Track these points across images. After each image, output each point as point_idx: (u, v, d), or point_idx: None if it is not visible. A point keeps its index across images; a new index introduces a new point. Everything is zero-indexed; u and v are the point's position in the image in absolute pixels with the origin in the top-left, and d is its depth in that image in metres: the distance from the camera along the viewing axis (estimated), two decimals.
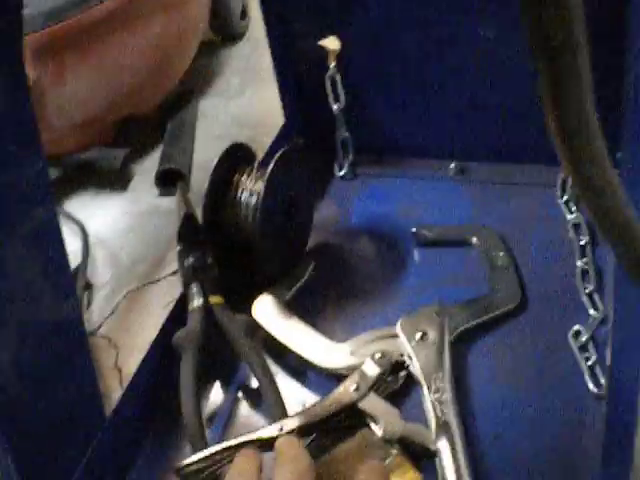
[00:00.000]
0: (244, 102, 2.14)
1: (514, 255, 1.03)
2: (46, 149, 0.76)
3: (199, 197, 1.01)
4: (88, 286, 1.45)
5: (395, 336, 0.91)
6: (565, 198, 1.10)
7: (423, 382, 0.84)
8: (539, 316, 0.95)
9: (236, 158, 1.04)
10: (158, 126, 1.97)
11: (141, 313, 1.37)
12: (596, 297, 0.94)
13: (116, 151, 1.83)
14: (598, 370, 0.86)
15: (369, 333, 0.92)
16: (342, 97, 1.20)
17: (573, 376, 0.87)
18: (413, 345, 0.88)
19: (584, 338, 0.89)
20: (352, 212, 1.20)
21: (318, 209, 1.19)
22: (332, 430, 0.82)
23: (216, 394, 0.95)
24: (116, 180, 1.80)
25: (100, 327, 1.36)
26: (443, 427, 0.79)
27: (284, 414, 0.83)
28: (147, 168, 1.84)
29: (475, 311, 0.94)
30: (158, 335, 0.95)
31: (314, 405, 0.83)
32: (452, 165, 1.21)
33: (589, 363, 0.87)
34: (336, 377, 0.88)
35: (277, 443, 0.73)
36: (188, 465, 0.77)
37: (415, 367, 0.87)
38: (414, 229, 1.09)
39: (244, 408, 0.92)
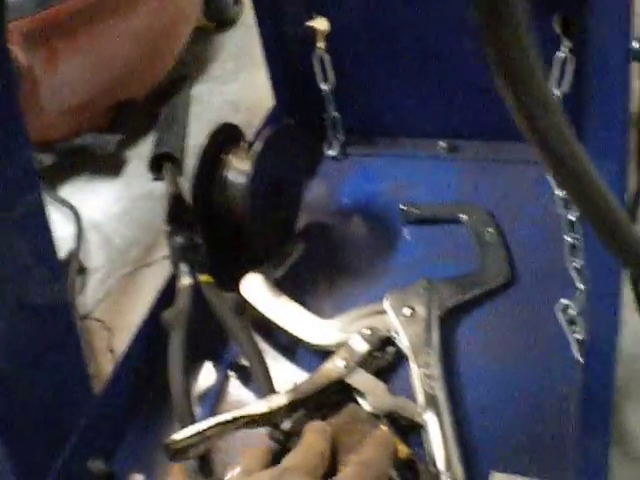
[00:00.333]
0: (238, 87, 2.14)
1: (503, 231, 1.03)
2: (39, 135, 0.76)
3: (190, 182, 1.01)
4: (82, 270, 1.46)
5: (383, 312, 0.91)
6: None
7: (411, 357, 0.85)
8: (528, 291, 0.95)
9: (225, 138, 1.04)
10: (152, 111, 1.97)
11: (134, 296, 1.38)
12: (584, 271, 0.94)
13: (110, 136, 1.83)
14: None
15: (357, 310, 0.93)
16: (331, 77, 1.20)
17: (561, 349, 0.87)
18: (401, 321, 0.89)
19: (572, 312, 0.89)
20: (342, 191, 1.20)
21: (308, 189, 1.19)
22: (320, 406, 0.82)
23: (205, 372, 0.95)
24: (110, 165, 1.81)
25: (94, 310, 1.36)
26: (431, 401, 0.79)
27: (273, 391, 0.84)
28: (141, 153, 1.84)
29: (463, 287, 0.95)
30: (148, 314, 0.95)
31: (302, 381, 0.83)
32: (442, 143, 1.21)
33: (577, 336, 0.87)
34: (325, 354, 0.88)
35: (305, 427, 0.75)
36: (177, 441, 0.77)
37: (403, 342, 0.87)
38: (403, 206, 1.09)
39: (233, 386, 0.92)
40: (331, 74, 1.20)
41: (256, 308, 0.95)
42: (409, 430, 0.79)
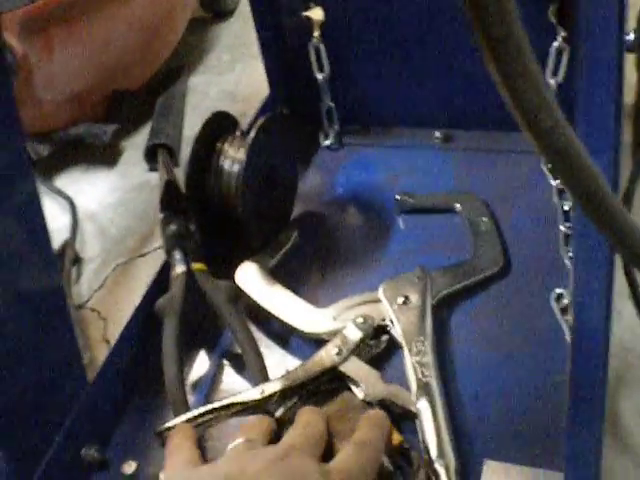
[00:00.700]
0: (234, 78, 2.14)
1: (498, 220, 1.03)
2: (35, 125, 0.76)
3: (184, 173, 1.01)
4: (77, 260, 1.46)
5: (377, 301, 0.91)
6: (550, 164, 1.09)
7: (404, 345, 0.85)
8: (522, 280, 0.96)
9: (219, 127, 1.04)
10: (148, 101, 1.97)
11: (129, 286, 1.38)
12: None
13: (106, 126, 1.82)
14: None
15: (351, 298, 0.93)
16: (326, 66, 1.20)
17: (555, 339, 0.87)
18: (395, 309, 0.89)
19: (566, 301, 0.89)
20: (337, 181, 1.20)
21: (303, 178, 1.19)
22: (314, 393, 0.82)
23: (199, 360, 0.95)
24: (106, 155, 1.80)
25: (89, 300, 1.36)
26: (424, 389, 0.79)
27: (266, 379, 0.83)
28: (137, 143, 1.83)
29: (457, 275, 0.95)
30: (141, 302, 0.95)
31: (295, 369, 0.83)
32: (437, 133, 1.21)
33: (570, 325, 0.87)
34: (318, 342, 0.88)
35: (299, 411, 0.75)
36: (170, 428, 0.78)
37: (397, 331, 0.87)
38: (397, 196, 1.09)
39: (227, 374, 0.93)
40: (326, 64, 1.20)
41: (250, 296, 0.96)
42: (402, 418, 0.79)
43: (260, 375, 0.84)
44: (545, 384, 0.83)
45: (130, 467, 0.83)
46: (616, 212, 0.39)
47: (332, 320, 0.90)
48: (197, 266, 0.96)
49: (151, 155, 1.71)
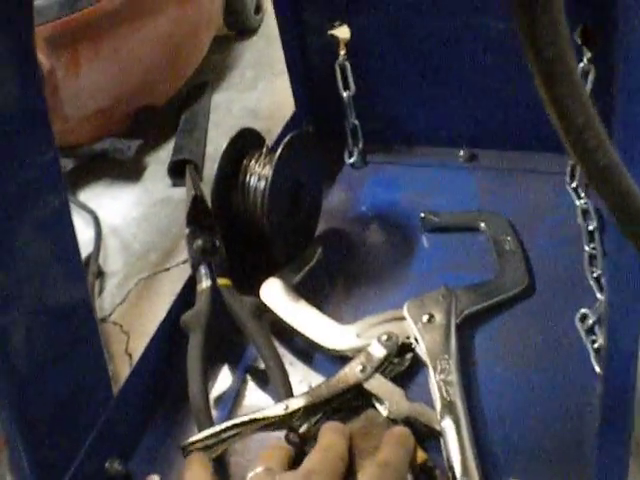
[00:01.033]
0: (257, 95, 2.15)
1: (522, 240, 1.03)
2: (60, 139, 0.76)
3: (209, 188, 1.02)
4: (100, 274, 1.47)
5: (402, 319, 0.91)
6: (574, 184, 1.10)
7: (429, 363, 0.85)
8: (546, 300, 0.95)
9: (245, 143, 1.05)
10: (172, 117, 1.98)
11: (152, 300, 1.38)
12: (603, 281, 0.94)
13: (130, 142, 1.84)
14: (604, 353, 0.86)
15: (376, 316, 0.93)
16: (352, 85, 1.20)
17: (579, 359, 0.87)
18: (419, 327, 0.89)
19: (591, 321, 0.89)
20: (361, 199, 1.20)
21: (328, 196, 1.19)
22: (337, 410, 0.82)
23: (223, 375, 0.95)
24: (129, 170, 1.82)
25: (111, 314, 1.37)
26: (448, 407, 0.79)
27: (290, 395, 0.84)
28: (160, 159, 1.85)
29: (482, 294, 0.95)
30: (166, 316, 0.96)
31: (320, 385, 0.83)
32: (461, 152, 1.22)
33: (595, 346, 0.87)
34: (342, 359, 0.88)
35: (322, 427, 0.75)
36: (194, 442, 0.78)
37: (421, 349, 0.87)
38: (422, 215, 1.09)
39: (251, 389, 0.93)
40: (352, 82, 1.20)
41: (275, 312, 0.96)
42: (426, 436, 0.78)
43: (284, 391, 0.85)
44: (569, 404, 0.83)
45: None
46: None
47: (356, 337, 0.90)
48: (222, 281, 0.96)
49: (174, 171, 1.72)
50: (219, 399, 0.92)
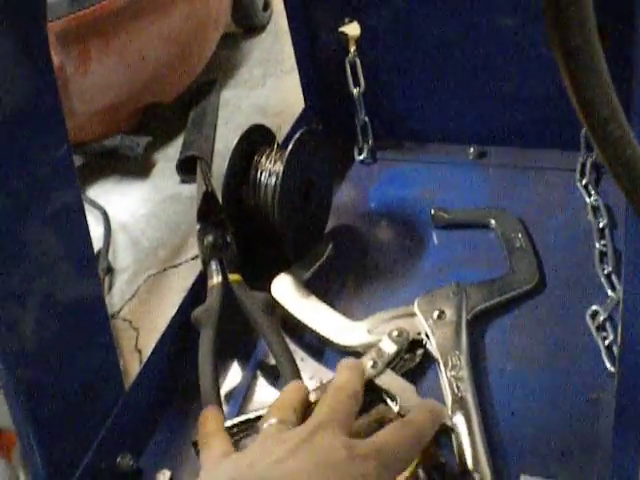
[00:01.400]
0: (266, 92, 2.15)
1: (532, 237, 1.03)
2: (69, 136, 0.76)
3: (220, 184, 1.02)
4: (110, 270, 1.47)
5: (412, 315, 0.91)
6: (584, 181, 1.10)
7: (440, 359, 0.85)
8: (557, 296, 0.95)
9: (256, 139, 1.05)
10: (181, 115, 1.98)
11: (161, 296, 1.39)
12: (614, 278, 0.94)
13: (138, 138, 1.84)
14: (615, 349, 0.85)
15: (386, 312, 0.93)
16: (362, 82, 1.21)
17: (590, 355, 0.87)
18: (430, 324, 0.89)
19: (601, 318, 0.89)
20: (371, 195, 1.20)
21: (338, 193, 1.19)
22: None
23: (234, 370, 0.95)
24: (138, 167, 1.82)
25: (121, 310, 1.37)
26: (459, 403, 0.80)
27: None
28: (169, 155, 1.85)
29: (492, 291, 0.95)
30: (177, 312, 0.96)
31: (330, 381, 0.83)
32: (471, 149, 1.22)
33: (606, 343, 0.87)
34: (353, 355, 0.88)
35: (338, 364, 0.75)
36: None
37: (432, 345, 0.87)
38: (432, 211, 1.09)
39: (262, 384, 0.93)
40: (362, 78, 1.20)
41: (285, 308, 0.96)
42: (437, 432, 0.78)
43: None
44: (580, 400, 0.83)
45: (164, 476, 0.84)
46: None
47: (367, 333, 0.91)
48: (233, 277, 0.97)
49: (183, 167, 1.72)
50: (230, 394, 0.92)
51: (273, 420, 0.69)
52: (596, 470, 0.75)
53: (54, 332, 0.77)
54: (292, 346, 0.93)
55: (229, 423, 0.79)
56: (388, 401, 0.82)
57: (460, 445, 0.76)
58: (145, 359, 0.93)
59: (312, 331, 0.94)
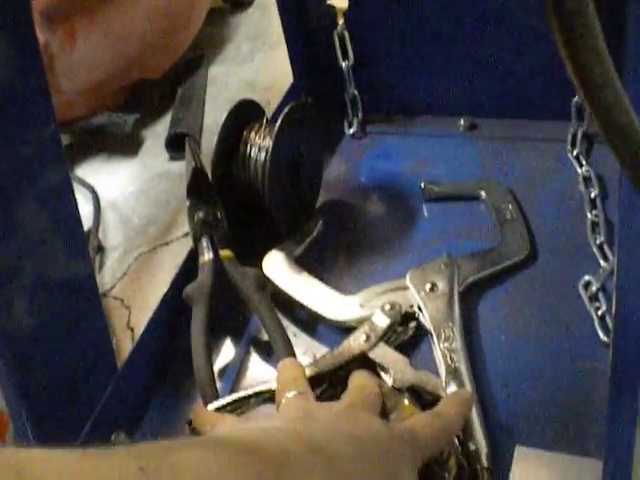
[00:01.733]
0: (254, 67, 2.13)
1: (523, 208, 1.03)
2: (56, 115, 0.76)
3: (209, 160, 1.02)
4: (100, 248, 1.46)
5: (404, 288, 0.91)
6: (575, 152, 1.10)
7: (433, 331, 0.85)
8: (549, 267, 0.96)
9: (245, 114, 1.05)
10: (168, 91, 1.97)
11: (152, 274, 1.38)
12: (606, 248, 0.94)
13: (126, 116, 1.82)
14: (608, 319, 0.86)
15: (378, 286, 0.93)
16: (351, 54, 1.20)
17: (583, 325, 0.87)
18: (422, 296, 0.89)
19: (594, 288, 0.89)
20: (362, 170, 1.20)
21: (328, 167, 1.19)
22: (343, 380, 0.82)
23: (227, 347, 0.95)
24: (127, 145, 1.80)
25: (112, 288, 1.37)
26: (453, 374, 0.80)
27: None
28: (158, 133, 1.83)
29: (484, 262, 0.95)
30: (169, 289, 0.96)
31: (324, 356, 0.84)
32: (462, 121, 1.21)
33: (599, 313, 0.87)
34: (346, 329, 0.89)
35: (351, 374, 0.75)
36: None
37: (425, 317, 0.87)
38: (422, 184, 1.09)
39: (255, 360, 0.93)
40: (351, 52, 1.19)
41: (277, 285, 0.96)
42: (432, 403, 0.78)
43: None
44: (573, 370, 0.83)
45: None
46: None
47: (359, 307, 0.90)
48: (225, 253, 0.96)
49: (172, 144, 1.71)
50: (223, 371, 0.92)
51: (292, 392, 0.69)
52: (591, 440, 0.75)
53: (46, 311, 0.77)
54: (285, 322, 0.92)
55: (222, 401, 0.78)
56: (382, 374, 0.82)
57: None
58: (137, 337, 0.93)
59: (304, 307, 0.94)
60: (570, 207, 1.03)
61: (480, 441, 0.73)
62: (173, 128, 1.73)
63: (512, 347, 0.87)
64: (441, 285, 0.90)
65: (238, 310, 0.97)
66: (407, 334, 0.88)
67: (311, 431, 0.58)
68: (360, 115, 1.26)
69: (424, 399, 0.79)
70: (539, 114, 1.16)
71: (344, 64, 1.21)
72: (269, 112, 1.12)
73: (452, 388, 0.78)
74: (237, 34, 2.37)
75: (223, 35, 2.37)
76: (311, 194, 1.11)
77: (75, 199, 0.80)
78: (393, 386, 0.80)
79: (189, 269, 0.97)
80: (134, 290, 1.35)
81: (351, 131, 1.26)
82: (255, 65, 2.14)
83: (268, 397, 0.78)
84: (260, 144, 1.01)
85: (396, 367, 0.81)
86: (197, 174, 1.00)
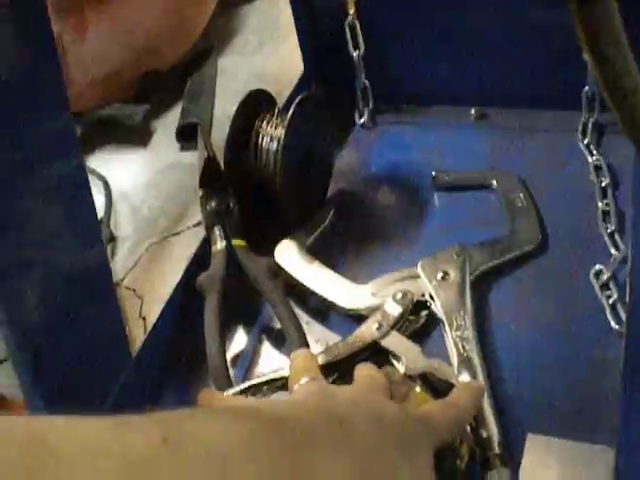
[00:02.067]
0: (263, 59, 2.13)
1: (534, 197, 1.03)
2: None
3: (219, 151, 1.02)
4: (112, 239, 1.47)
5: (416, 277, 0.92)
6: (586, 141, 1.10)
7: (445, 320, 0.86)
8: (560, 256, 0.96)
9: (256, 105, 1.05)
10: (179, 82, 1.97)
11: (164, 264, 1.38)
12: (617, 237, 0.94)
13: (137, 107, 1.83)
14: (619, 308, 0.86)
15: (390, 275, 0.93)
16: (361, 44, 1.20)
17: (595, 314, 0.87)
18: (434, 285, 0.89)
19: (605, 277, 0.89)
20: (372, 159, 1.20)
21: (339, 157, 1.19)
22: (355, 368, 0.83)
23: (240, 335, 0.96)
24: (137, 136, 1.80)
25: (124, 278, 1.37)
26: (465, 363, 0.80)
27: None
28: (168, 123, 1.83)
29: (495, 251, 0.95)
30: (182, 278, 0.96)
31: (337, 344, 0.84)
32: (472, 111, 1.21)
33: (610, 301, 0.87)
34: (358, 318, 0.89)
35: (356, 367, 0.74)
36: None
37: (437, 306, 0.88)
38: (433, 173, 1.09)
39: (267, 349, 0.94)
40: (361, 42, 1.19)
41: (290, 274, 0.96)
42: (444, 392, 0.79)
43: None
44: (584, 359, 0.83)
45: None
46: None
47: (371, 296, 0.91)
48: (237, 242, 0.97)
49: (183, 135, 1.71)
50: (236, 359, 0.93)
51: (305, 379, 0.69)
52: (603, 428, 0.75)
53: (60, 301, 0.78)
54: (297, 310, 0.93)
55: (236, 389, 0.79)
56: (394, 362, 0.83)
57: None
58: (150, 327, 0.94)
59: (317, 295, 0.94)
60: (581, 196, 1.03)
61: (492, 428, 0.73)
62: (183, 119, 1.74)
63: (523, 336, 0.87)
64: (453, 274, 0.90)
65: (251, 298, 0.97)
66: (419, 323, 0.89)
67: (330, 406, 0.59)
68: (371, 105, 1.26)
69: (436, 387, 0.79)
70: (549, 104, 1.16)
71: (355, 54, 1.20)
72: (280, 102, 1.12)
73: (464, 376, 0.79)
74: (246, 25, 2.36)
75: (232, 26, 2.36)
76: (322, 183, 1.12)
77: (90, 189, 0.80)
78: (405, 374, 0.80)
79: (201, 258, 0.98)
80: (146, 280, 1.36)
81: (362, 121, 1.26)
82: (264, 56, 2.14)
83: (281, 385, 0.79)
84: (272, 134, 1.02)
85: (408, 355, 0.82)
86: (209, 164, 1.00)
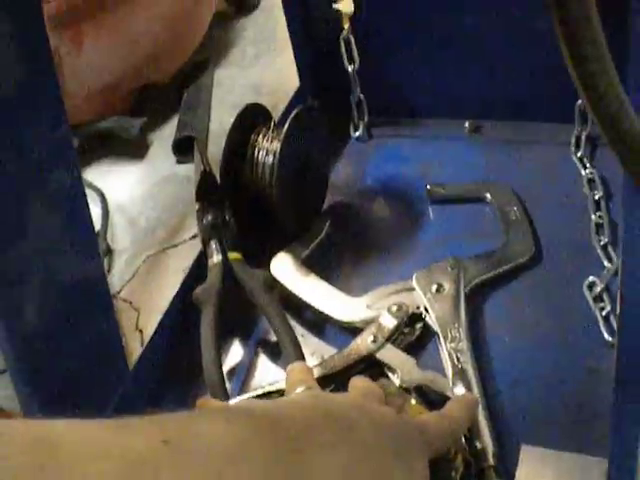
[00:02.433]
0: (259, 71, 2.14)
1: (528, 210, 1.04)
2: None
3: (215, 164, 1.03)
4: (109, 251, 1.47)
5: (411, 289, 0.92)
6: (579, 154, 1.10)
7: (439, 332, 0.86)
8: (554, 268, 0.96)
9: (253, 118, 1.06)
10: (175, 95, 1.98)
11: (161, 277, 1.39)
12: (610, 249, 0.95)
13: (133, 120, 1.83)
14: (612, 320, 0.87)
15: (385, 287, 0.94)
16: (356, 58, 1.20)
17: (588, 326, 0.88)
18: (429, 297, 0.90)
19: (599, 289, 0.90)
20: (368, 172, 1.21)
21: (334, 170, 1.20)
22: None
23: (236, 348, 0.96)
24: (134, 148, 1.81)
25: (121, 290, 1.38)
26: (460, 375, 0.81)
27: None
28: (164, 136, 1.84)
29: (489, 264, 0.96)
30: (178, 291, 0.97)
31: (332, 357, 0.85)
32: (466, 124, 1.22)
33: (604, 313, 0.88)
34: (353, 330, 0.90)
35: (351, 380, 0.74)
36: None
37: (431, 318, 0.88)
38: (428, 186, 1.10)
39: (264, 361, 0.94)
40: (356, 56, 1.20)
41: (285, 287, 0.97)
42: (439, 404, 0.79)
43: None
44: (578, 370, 0.84)
45: None
46: None
47: (366, 308, 0.92)
48: (233, 255, 0.97)
49: (179, 148, 1.72)
50: (232, 372, 0.93)
51: (302, 387, 0.70)
52: (596, 439, 0.76)
53: (58, 313, 0.78)
54: (293, 323, 0.93)
55: (232, 402, 0.79)
56: (389, 375, 0.83)
57: None
58: (146, 339, 0.94)
59: (312, 308, 0.95)
60: (574, 209, 1.03)
61: (486, 440, 0.74)
62: (180, 132, 1.74)
63: (517, 347, 0.88)
64: (447, 286, 0.91)
65: (247, 311, 0.97)
66: (414, 335, 0.89)
67: (327, 405, 0.59)
68: (366, 118, 1.27)
69: (431, 399, 0.80)
70: (543, 116, 1.16)
71: (350, 68, 1.21)
72: (275, 116, 1.13)
73: (459, 388, 0.79)
74: (242, 38, 2.37)
75: (228, 39, 2.37)
76: (318, 196, 1.13)
77: (86, 201, 0.81)
78: (400, 386, 0.81)
79: (198, 271, 0.98)
80: (143, 292, 1.36)
81: (357, 134, 1.27)
82: (260, 69, 2.15)
83: (277, 397, 0.79)
84: (268, 147, 1.02)
85: (403, 368, 0.82)
86: (206, 177, 1.01)
